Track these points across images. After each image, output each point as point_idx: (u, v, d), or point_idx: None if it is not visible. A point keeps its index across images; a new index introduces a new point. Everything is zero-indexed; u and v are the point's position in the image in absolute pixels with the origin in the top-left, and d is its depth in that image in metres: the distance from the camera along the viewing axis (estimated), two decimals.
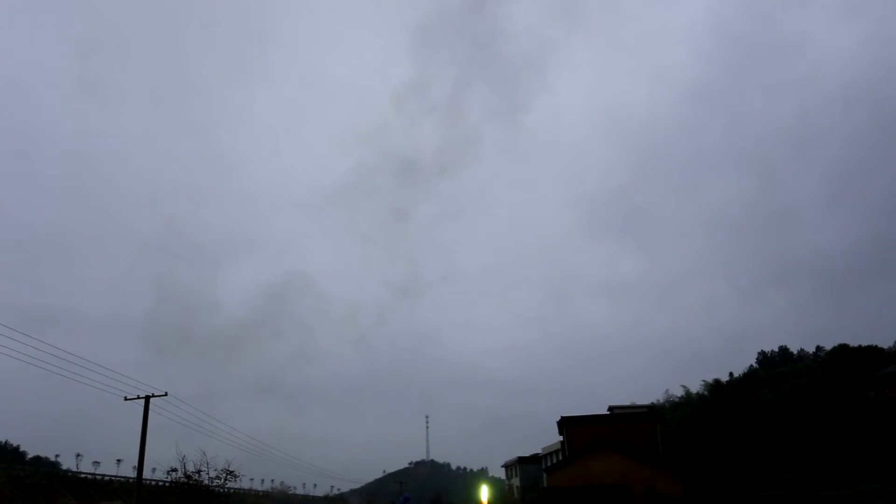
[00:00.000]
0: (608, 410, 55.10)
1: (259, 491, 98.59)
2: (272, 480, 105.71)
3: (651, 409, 66.82)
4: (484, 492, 38.54)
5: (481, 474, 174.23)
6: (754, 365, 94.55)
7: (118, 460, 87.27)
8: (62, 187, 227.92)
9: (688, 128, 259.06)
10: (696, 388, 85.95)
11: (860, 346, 70.06)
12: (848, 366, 64.73)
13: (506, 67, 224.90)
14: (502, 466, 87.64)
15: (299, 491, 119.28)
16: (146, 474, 39.15)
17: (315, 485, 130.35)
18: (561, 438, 52.93)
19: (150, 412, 34.34)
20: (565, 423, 50.28)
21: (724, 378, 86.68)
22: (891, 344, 71.92)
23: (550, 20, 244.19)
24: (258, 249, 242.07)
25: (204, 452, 35.64)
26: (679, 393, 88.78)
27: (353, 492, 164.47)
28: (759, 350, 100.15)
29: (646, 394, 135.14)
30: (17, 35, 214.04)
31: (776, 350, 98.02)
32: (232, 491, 50.83)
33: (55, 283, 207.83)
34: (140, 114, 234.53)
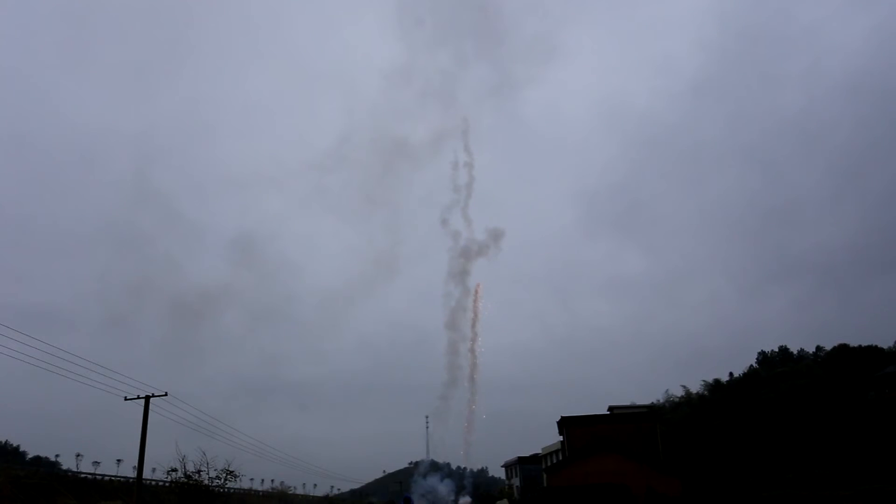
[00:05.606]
0: (608, 410, 55.05)
1: (259, 491, 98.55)
2: (272, 480, 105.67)
3: (651, 408, 66.83)
4: None
5: (481, 474, 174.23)
6: (754, 365, 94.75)
7: (118, 460, 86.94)
8: (51, 174, 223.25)
9: (689, 121, 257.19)
10: (696, 387, 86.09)
11: (860, 346, 70.01)
12: (848, 366, 64.75)
13: (503, 54, 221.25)
14: (502, 466, 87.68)
15: (299, 491, 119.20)
16: (146, 474, 39.13)
17: (315, 485, 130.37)
18: (561, 438, 52.96)
19: (150, 412, 34.39)
20: (565, 424, 50.29)
21: (725, 378, 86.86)
22: (891, 344, 72.07)
23: (548, 7, 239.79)
24: (252, 237, 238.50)
25: (204, 452, 35.59)
26: (679, 393, 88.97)
27: (352, 492, 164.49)
28: (760, 350, 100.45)
29: (646, 393, 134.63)
30: None
31: (776, 350, 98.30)
32: (232, 491, 50.83)
33: (53, 281, 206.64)
34: (124, 85, 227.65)
